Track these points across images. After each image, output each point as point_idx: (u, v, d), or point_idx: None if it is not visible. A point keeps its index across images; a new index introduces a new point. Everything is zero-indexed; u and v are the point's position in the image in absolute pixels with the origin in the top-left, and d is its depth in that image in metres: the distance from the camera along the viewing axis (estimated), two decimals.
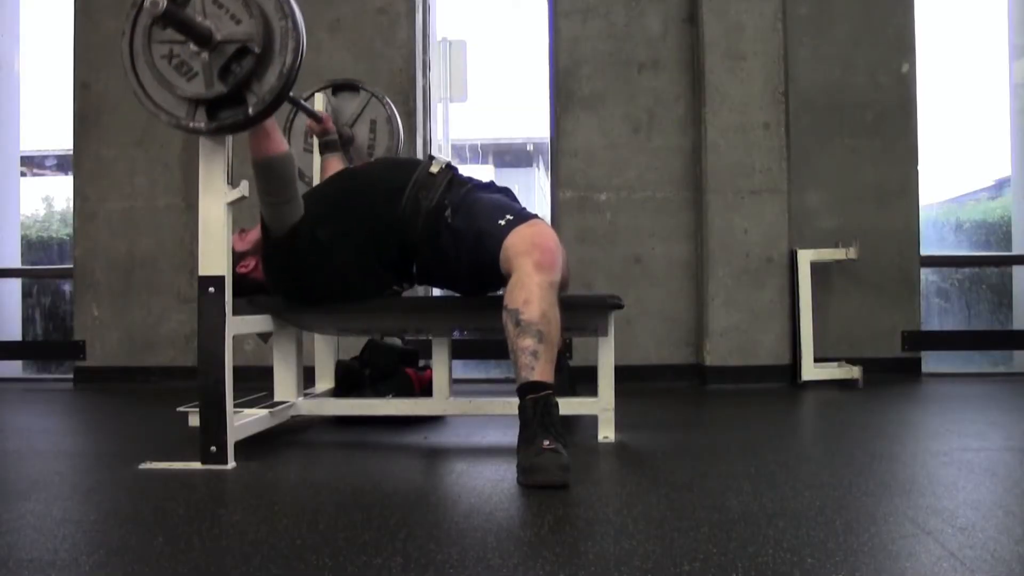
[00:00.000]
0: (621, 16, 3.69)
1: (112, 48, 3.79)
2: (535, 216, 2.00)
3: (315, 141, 2.62)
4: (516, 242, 1.87)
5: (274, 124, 1.94)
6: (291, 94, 1.85)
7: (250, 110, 1.66)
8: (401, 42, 3.73)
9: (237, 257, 2.16)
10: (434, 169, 2.11)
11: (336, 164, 2.53)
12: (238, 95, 1.66)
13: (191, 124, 1.69)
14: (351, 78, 2.78)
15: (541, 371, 1.74)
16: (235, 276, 2.14)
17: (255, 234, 2.21)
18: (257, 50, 1.63)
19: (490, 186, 2.17)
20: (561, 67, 3.70)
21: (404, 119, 3.65)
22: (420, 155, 3.69)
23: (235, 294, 1.99)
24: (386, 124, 2.69)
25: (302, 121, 2.65)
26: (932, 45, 3.85)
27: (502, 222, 1.93)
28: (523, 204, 2.14)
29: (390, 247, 2.09)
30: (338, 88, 2.71)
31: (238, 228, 2.28)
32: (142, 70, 1.70)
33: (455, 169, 2.16)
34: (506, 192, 2.16)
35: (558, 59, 3.71)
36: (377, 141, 2.70)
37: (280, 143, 1.96)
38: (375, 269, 2.11)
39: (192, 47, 1.65)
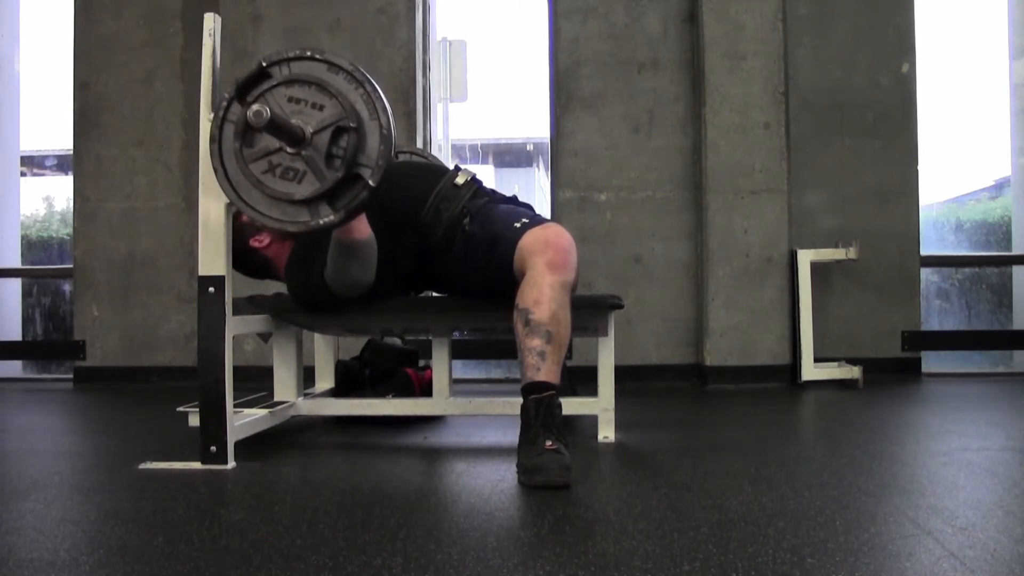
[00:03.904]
0: (621, 16, 3.69)
1: (112, 48, 3.84)
2: (551, 221, 1.99)
3: None
4: (530, 242, 1.86)
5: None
6: None
7: (370, 182, 1.63)
8: (401, 42, 3.73)
9: (253, 229, 2.15)
10: (459, 181, 2.10)
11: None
12: (351, 175, 1.64)
13: (322, 222, 1.65)
14: (414, 150, 2.75)
15: (547, 372, 1.74)
16: (246, 247, 2.15)
17: None
18: (353, 125, 1.61)
19: (512, 200, 2.16)
20: (561, 67, 3.70)
21: (404, 119, 3.67)
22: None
23: (240, 267, 1.98)
24: None
25: None
26: (932, 45, 3.85)
27: (517, 225, 1.93)
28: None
29: (406, 255, 2.08)
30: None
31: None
32: (249, 195, 1.66)
33: (479, 182, 2.15)
34: (527, 207, 2.15)
35: (558, 59, 3.71)
36: None
37: (367, 228, 1.93)
38: (389, 273, 2.10)
39: (288, 150, 1.63)
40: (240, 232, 2.09)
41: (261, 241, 2.18)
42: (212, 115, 1.71)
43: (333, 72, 1.65)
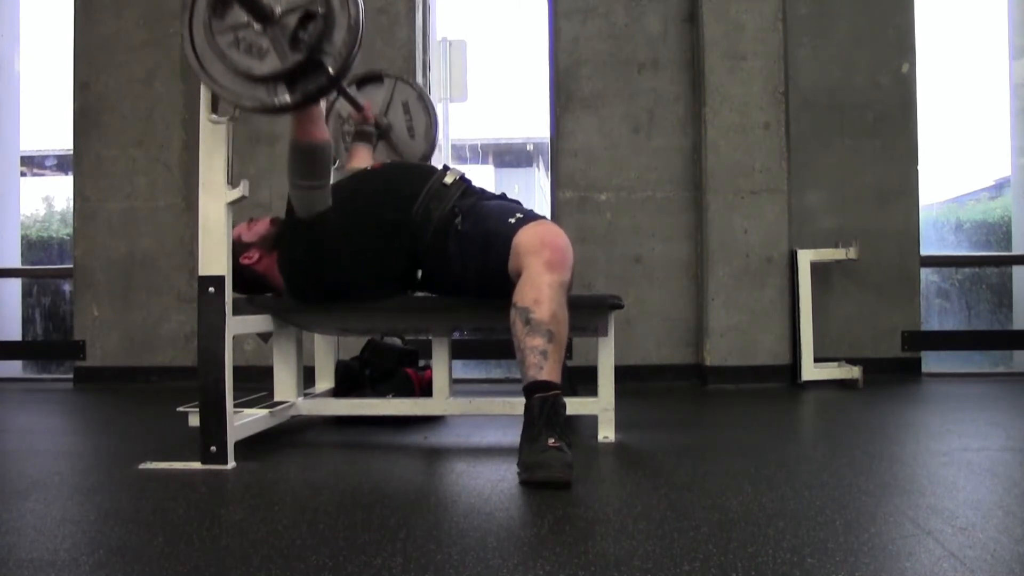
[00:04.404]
0: (621, 16, 3.69)
1: (112, 48, 3.84)
2: (544, 217, 1.99)
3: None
4: (526, 240, 1.86)
5: (321, 111, 1.93)
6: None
7: (330, 70, 1.64)
8: (401, 42, 3.73)
9: (242, 247, 2.15)
10: (448, 180, 2.10)
11: (364, 153, 2.54)
12: (314, 60, 1.64)
13: (276, 101, 1.66)
14: (371, 70, 2.76)
15: (549, 371, 1.74)
16: (237, 266, 2.14)
17: (263, 226, 2.21)
18: (321, 11, 1.62)
19: (501, 197, 2.17)
20: (561, 67, 3.70)
21: None
22: None
23: (236, 286, 1.98)
24: (418, 102, 2.68)
25: (339, 112, 2.65)
26: (932, 45, 3.85)
27: (512, 220, 1.93)
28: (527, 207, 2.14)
29: (398, 254, 2.08)
30: (361, 82, 2.70)
31: (246, 218, 2.29)
32: (211, 64, 1.67)
33: (469, 181, 2.15)
34: (517, 203, 2.16)
35: (558, 59, 3.71)
36: (414, 121, 2.68)
37: (325, 130, 1.95)
38: (383, 273, 2.10)
39: (256, 27, 1.64)
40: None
41: (251, 258, 2.18)
42: None
43: None
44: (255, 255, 2.18)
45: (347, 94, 2.48)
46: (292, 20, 1.63)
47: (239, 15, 1.64)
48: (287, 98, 1.66)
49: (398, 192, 2.09)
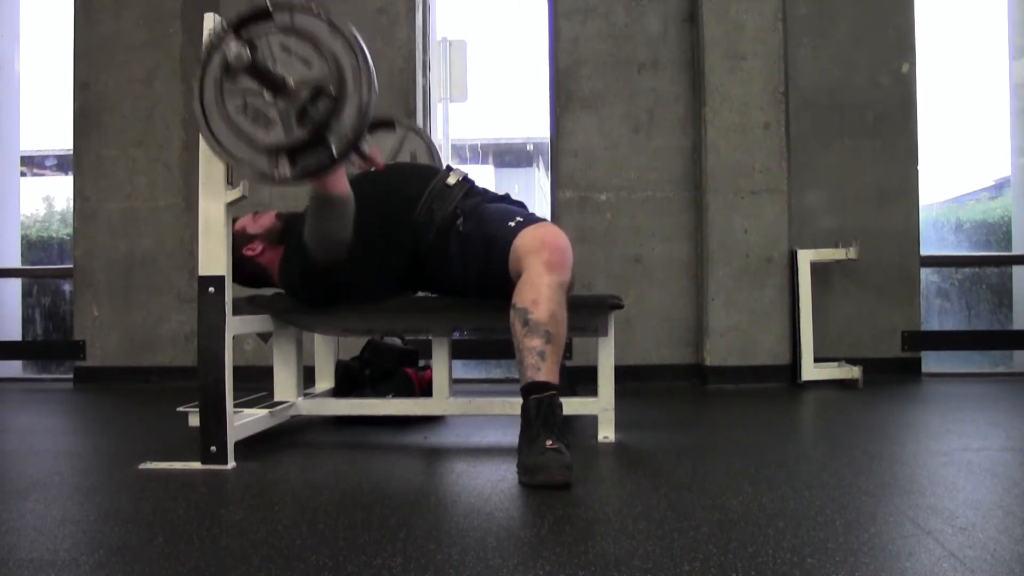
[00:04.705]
0: (621, 16, 3.69)
1: (112, 48, 3.84)
2: (545, 220, 1.99)
3: None
4: (526, 241, 1.86)
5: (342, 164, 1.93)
6: None
7: (334, 151, 1.64)
8: (401, 42, 3.73)
9: (245, 239, 2.15)
10: (451, 181, 2.10)
11: None
12: (319, 138, 1.64)
13: (275, 174, 1.65)
14: (385, 114, 2.75)
15: (547, 372, 1.74)
16: (241, 258, 2.14)
17: (268, 220, 2.21)
18: (333, 90, 1.61)
19: (504, 198, 2.16)
20: (561, 67, 3.70)
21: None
22: None
23: (236, 277, 1.98)
24: (427, 154, 2.65)
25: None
26: (932, 45, 3.85)
27: (512, 223, 1.93)
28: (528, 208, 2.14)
29: (401, 254, 2.08)
30: (373, 127, 2.67)
31: (252, 210, 2.28)
32: (216, 125, 1.67)
33: (472, 181, 2.15)
34: (520, 205, 2.16)
35: (558, 59, 3.71)
36: None
37: (345, 184, 1.93)
38: (385, 274, 2.10)
39: (266, 96, 1.63)
40: (233, 242, 2.08)
41: (254, 250, 2.18)
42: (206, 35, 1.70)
43: (333, 34, 1.64)
44: (258, 247, 2.18)
45: (357, 148, 2.46)
46: (303, 94, 1.62)
47: (251, 82, 1.63)
48: (287, 171, 1.65)
49: (401, 193, 2.09)
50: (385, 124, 2.64)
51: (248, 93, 1.64)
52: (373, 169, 2.29)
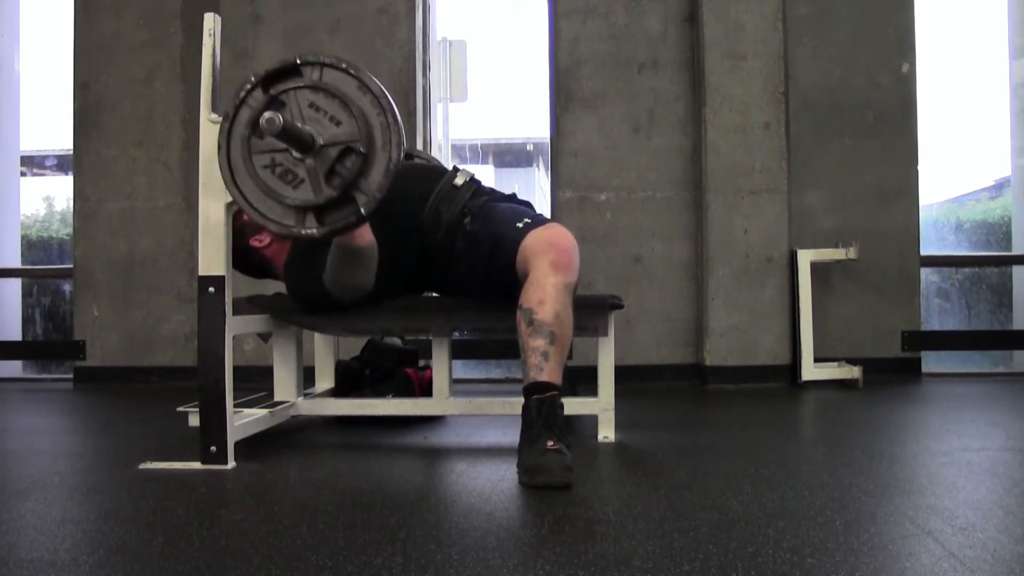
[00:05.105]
0: (621, 16, 3.69)
1: (112, 48, 3.84)
2: (553, 221, 1.99)
3: None
4: (533, 243, 1.87)
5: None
6: None
7: (362, 210, 1.63)
8: (401, 42, 3.73)
9: (254, 228, 2.15)
10: (458, 181, 2.10)
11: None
12: (346, 196, 1.63)
13: (303, 232, 1.65)
14: (414, 152, 2.73)
15: (550, 372, 1.74)
16: (247, 247, 2.15)
17: None
18: (362, 150, 1.61)
19: (511, 198, 2.17)
20: (561, 67, 3.70)
21: (404, 119, 3.65)
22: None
23: (240, 265, 1.98)
24: None
25: None
26: (932, 45, 3.85)
27: (520, 224, 1.93)
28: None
29: (409, 255, 2.08)
30: None
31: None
32: (243, 182, 1.66)
33: (478, 182, 2.15)
34: (527, 204, 2.16)
35: (558, 59, 3.71)
36: None
37: (370, 234, 1.93)
38: (393, 275, 2.10)
39: (295, 154, 1.62)
40: (241, 231, 2.09)
41: (262, 240, 2.18)
42: (234, 96, 1.69)
43: (362, 91, 1.63)
44: (266, 239, 2.18)
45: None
46: (332, 153, 1.61)
47: (280, 140, 1.62)
48: (315, 230, 1.64)
49: (408, 194, 2.08)
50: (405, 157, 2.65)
51: (275, 151, 1.63)
52: None
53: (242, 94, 1.66)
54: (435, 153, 3.88)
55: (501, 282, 1.93)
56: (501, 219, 1.99)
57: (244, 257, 2.15)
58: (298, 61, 1.64)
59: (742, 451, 2.02)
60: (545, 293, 1.78)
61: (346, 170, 1.61)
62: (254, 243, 2.17)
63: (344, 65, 1.64)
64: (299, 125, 1.60)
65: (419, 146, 3.76)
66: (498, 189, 2.19)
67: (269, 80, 1.65)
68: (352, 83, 1.64)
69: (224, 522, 1.40)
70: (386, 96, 1.64)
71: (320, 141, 1.61)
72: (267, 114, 1.53)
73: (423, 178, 2.15)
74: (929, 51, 3.79)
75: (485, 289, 2.02)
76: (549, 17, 3.77)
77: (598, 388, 2.14)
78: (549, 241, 1.86)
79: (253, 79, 1.65)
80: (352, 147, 1.61)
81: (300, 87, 1.63)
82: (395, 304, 2.17)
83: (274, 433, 2.20)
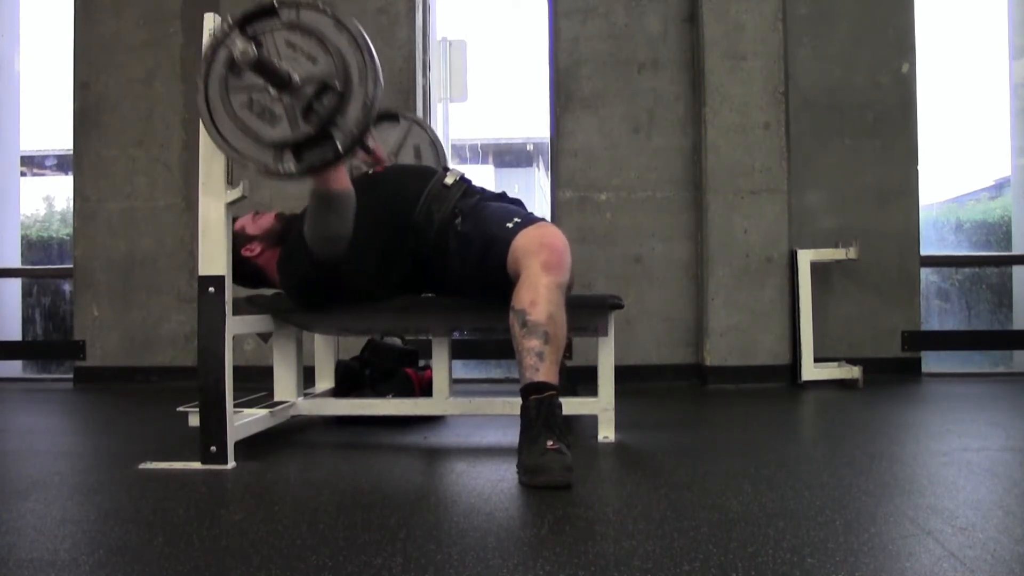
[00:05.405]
0: (621, 16, 3.69)
1: (112, 48, 3.84)
2: (543, 220, 1.99)
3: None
4: (524, 243, 1.86)
5: (346, 160, 1.93)
6: None
7: (339, 147, 1.64)
8: (401, 42, 3.73)
9: (244, 239, 2.15)
10: (448, 181, 2.10)
11: None
12: (324, 133, 1.64)
13: (280, 168, 1.66)
14: (390, 108, 2.73)
15: (546, 372, 1.74)
16: (237, 257, 2.14)
17: (268, 220, 2.20)
18: (339, 86, 1.62)
19: (502, 196, 2.17)
20: (561, 67, 3.70)
21: None
22: None
23: (234, 277, 1.98)
24: (430, 148, 2.64)
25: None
26: (932, 45, 3.85)
27: (510, 224, 1.93)
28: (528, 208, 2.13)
29: (401, 257, 2.08)
30: (377, 120, 2.67)
31: (251, 211, 2.28)
32: (222, 121, 1.67)
33: (469, 181, 2.15)
34: (518, 203, 2.16)
35: (558, 59, 3.71)
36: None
37: (346, 179, 1.94)
38: (386, 276, 2.10)
39: (272, 92, 1.63)
40: (231, 243, 2.08)
41: (252, 250, 2.18)
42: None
43: (338, 30, 1.64)
44: (257, 248, 2.18)
45: (362, 143, 2.45)
46: (309, 90, 1.63)
47: (257, 78, 1.63)
48: (292, 167, 1.66)
49: (399, 195, 2.09)
50: (389, 117, 2.64)
51: (253, 89, 1.64)
52: (371, 171, 2.29)
53: (219, 35, 1.66)
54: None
55: (494, 281, 1.93)
56: (492, 219, 1.99)
57: (237, 268, 2.13)
58: (275, 2, 1.65)
59: (742, 451, 2.02)
60: (537, 294, 1.77)
61: (323, 107, 1.63)
62: (245, 253, 2.16)
63: (321, 5, 1.65)
64: (275, 61, 1.61)
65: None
66: (488, 188, 2.19)
67: (246, 20, 1.66)
68: (329, 23, 1.65)
69: (224, 522, 1.40)
70: (363, 35, 1.65)
71: (297, 78, 1.62)
72: (240, 44, 1.54)
73: (414, 178, 2.15)
74: (929, 51, 3.80)
75: (478, 289, 2.03)
76: (549, 17, 3.77)
77: (598, 388, 2.14)
78: (540, 241, 1.85)
79: (230, 21, 1.66)
80: (329, 84, 1.62)
81: (277, 27, 1.64)
82: (395, 304, 2.17)
83: (274, 433, 2.20)
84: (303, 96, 1.63)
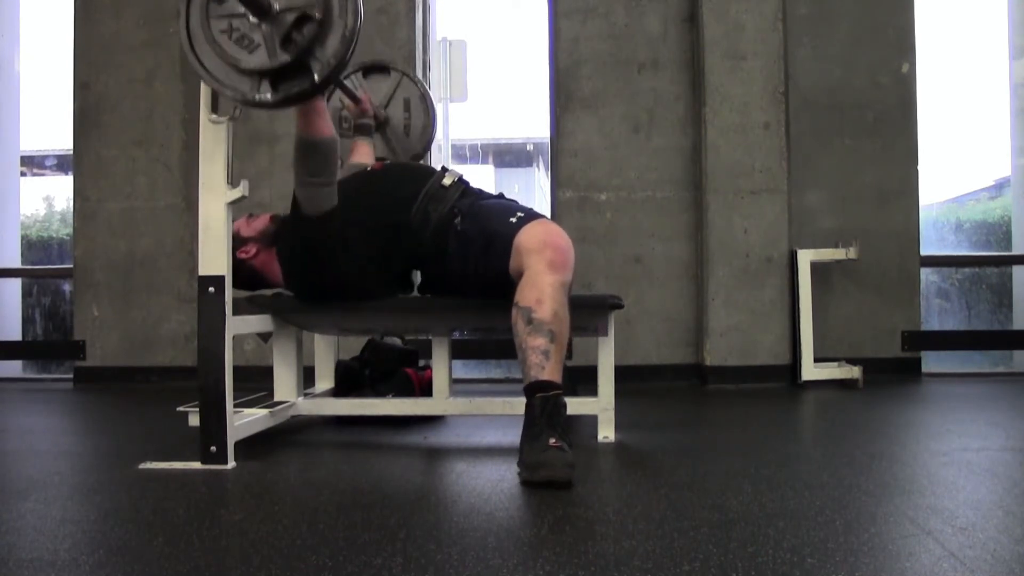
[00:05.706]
0: (621, 16, 3.69)
1: (112, 48, 3.84)
2: (544, 216, 1.99)
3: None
4: (527, 239, 1.86)
5: (324, 105, 1.93)
6: None
7: (316, 77, 1.63)
8: (401, 42, 3.73)
9: (239, 241, 2.15)
10: (446, 182, 2.10)
11: (365, 148, 2.52)
12: (302, 63, 1.63)
13: (256, 97, 1.65)
14: (380, 59, 2.74)
15: (551, 371, 1.74)
16: (234, 261, 2.14)
17: (262, 222, 2.20)
18: (318, 16, 1.61)
19: (499, 197, 2.17)
20: (561, 67, 3.70)
21: None
22: None
23: (233, 280, 1.98)
24: (420, 102, 2.65)
25: (336, 103, 2.61)
26: (932, 45, 3.85)
27: (512, 219, 1.93)
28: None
29: (397, 255, 2.08)
30: (368, 71, 2.67)
31: (246, 213, 2.29)
32: (201, 48, 1.67)
33: (467, 182, 2.15)
34: (516, 203, 2.15)
35: (558, 59, 3.71)
36: (413, 119, 2.66)
37: (329, 126, 1.95)
38: (382, 274, 2.11)
39: (251, 19, 1.63)
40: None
41: (248, 252, 2.17)
42: None
43: None
44: (252, 250, 2.18)
45: (344, 86, 2.46)
46: (288, 19, 1.62)
47: (237, 5, 1.63)
48: (268, 96, 1.65)
49: (396, 194, 2.09)
50: (380, 69, 2.65)
51: (233, 16, 1.64)
52: (369, 168, 2.29)
53: None
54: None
55: (495, 279, 1.93)
56: (493, 215, 1.99)
57: (233, 271, 2.14)
58: None
59: (742, 451, 2.02)
60: (543, 292, 1.77)
61: (302, 37, 1.62)
62: (241, 255, 2.15)
63: None
64: None
65: None
66: (486, 190, 2.19)
67: None
68: None
69: (224, 522, 1.40)
70: None
71: (276, 6, 1.62)
72: None
73: (410, 179, 2.15)
74: (929, 51, 3.80)
75: (479, 287, 2.02)
76: (549, 17, 3.77)
77: (598, 388, 2.14)
78: (544, 239, 1.85)
79: None
80: (308, 13, 1.61)
81: None
82: (395, 304, 2.17)
83: (274, 433, 2.20)
84: (283, 24, 1.62)
